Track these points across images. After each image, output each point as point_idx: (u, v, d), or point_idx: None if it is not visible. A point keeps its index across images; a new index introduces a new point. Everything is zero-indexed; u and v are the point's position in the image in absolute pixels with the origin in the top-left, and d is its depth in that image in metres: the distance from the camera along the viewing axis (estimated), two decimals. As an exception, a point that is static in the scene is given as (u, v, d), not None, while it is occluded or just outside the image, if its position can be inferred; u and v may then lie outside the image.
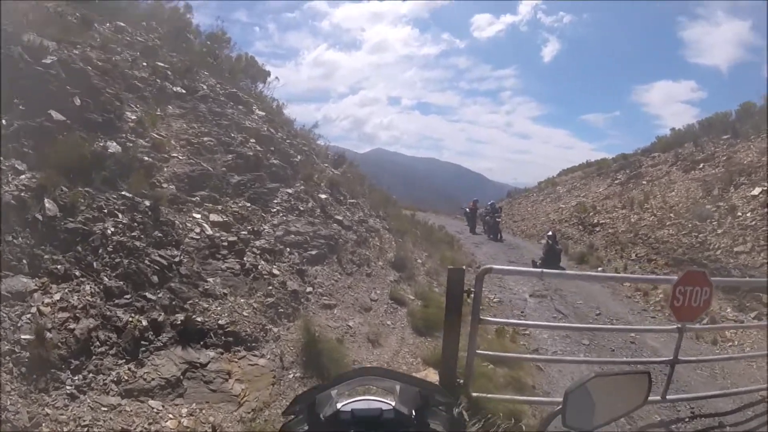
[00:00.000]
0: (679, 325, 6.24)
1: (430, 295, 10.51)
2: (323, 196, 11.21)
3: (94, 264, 5.67)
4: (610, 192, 23.41)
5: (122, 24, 11.61)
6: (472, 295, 6.10)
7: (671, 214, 17.50)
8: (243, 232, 8.08)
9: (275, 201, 9.71)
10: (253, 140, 10.78)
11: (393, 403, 1.46)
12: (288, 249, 8.72)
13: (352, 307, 8.76)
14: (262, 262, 7.82)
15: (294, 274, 8.34)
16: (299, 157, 12.15)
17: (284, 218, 9.36)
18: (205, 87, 11.61)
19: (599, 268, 16.91)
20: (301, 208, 10.06)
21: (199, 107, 10.40)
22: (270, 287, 7.49)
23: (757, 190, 15.41)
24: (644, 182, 21.79)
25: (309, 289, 8.33)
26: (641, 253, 16.61)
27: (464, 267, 7.05)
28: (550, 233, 17.93)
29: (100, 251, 5.84)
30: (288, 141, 12.54)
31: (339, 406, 1.47)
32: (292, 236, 9.07)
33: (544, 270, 7.70)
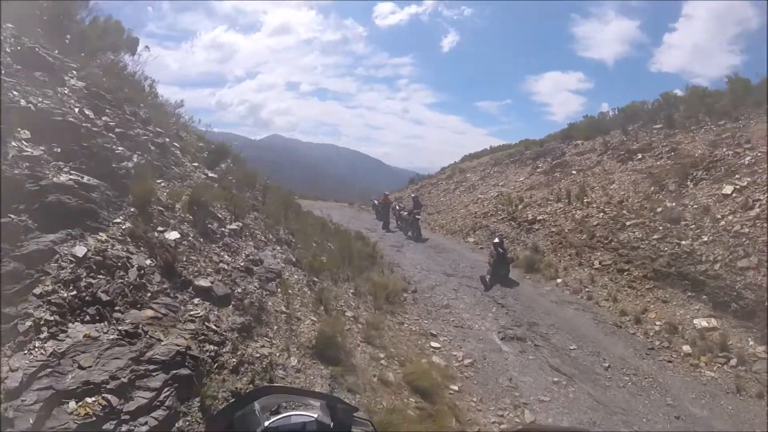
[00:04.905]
0: None
1: (394, 414, 5.02)
2: (172, 238, 5.09)
3: None
4: (534, 182, 19.25)
5: None
6: None
7: (624, 211, 13.46)
8: None
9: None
10: (24, 131, 4.36)
11: (315, 415, 1.35)
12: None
13: None
14: None
15: None
16: (135, 158, 5.85)
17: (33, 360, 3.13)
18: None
19: (558, 280, 12.33)
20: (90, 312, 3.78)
21: None
22: None
23: (728, 189, 11.94)
24: (573, 172, 17.92)
25: None
26: (606, 261, 12.36)
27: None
28: (496, 240, 13.21)
29: None
30: (119, 130, 6.16)
31: (266, 424, 1.33)
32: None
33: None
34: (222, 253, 5.86)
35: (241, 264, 6.02)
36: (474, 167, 25.91)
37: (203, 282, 4.85)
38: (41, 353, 3.17)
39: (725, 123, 14.96)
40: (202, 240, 5.69)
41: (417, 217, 17.98)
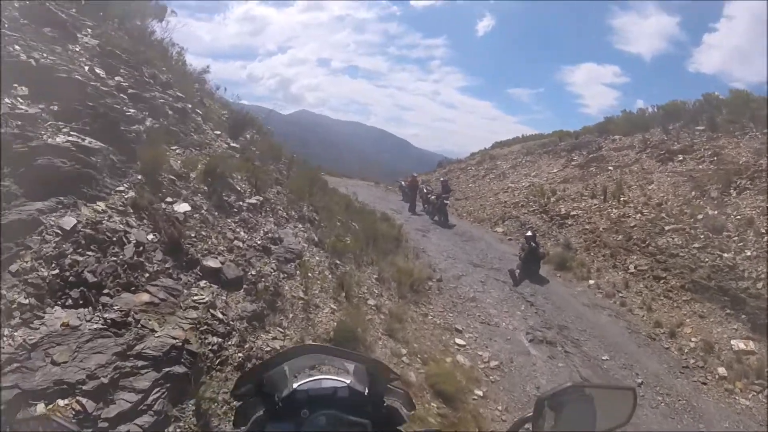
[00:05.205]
0: None
1: (415, 422, 4.43)
2: (181, 210, 4.47)
3: None
4: (568, 174, 18.19)
5: None
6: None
7: (663, 215, 12.44)
8: None
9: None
10: (21, 87, 3.78)
11: (348, 381, 1.26)
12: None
13: None
14: None
15: None
16: (149, 121, 5.24)
17: None
18: None
19: (590, 281, 11.48)
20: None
21: None
22: None
23: (773, 202, 10.96)
24: (610, 168, 16.77)
25: None
26: (642, 266, 11.42)
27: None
28: (529, 233, 12.38)
29: None
30: (133, 91, 5.55)
31: (295, 386, 1.25)
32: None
33: None
34: (238, 230, 5.27)
35: (258, 242, 5.42)
36: (505, 155, 24.78)
37: (212, 262, 4.25)
38: (9, 344, 2.61)
39: (771, 131, 13.81)
40: (216, 214, 5.10)
41: (445, 201, 17.17)
